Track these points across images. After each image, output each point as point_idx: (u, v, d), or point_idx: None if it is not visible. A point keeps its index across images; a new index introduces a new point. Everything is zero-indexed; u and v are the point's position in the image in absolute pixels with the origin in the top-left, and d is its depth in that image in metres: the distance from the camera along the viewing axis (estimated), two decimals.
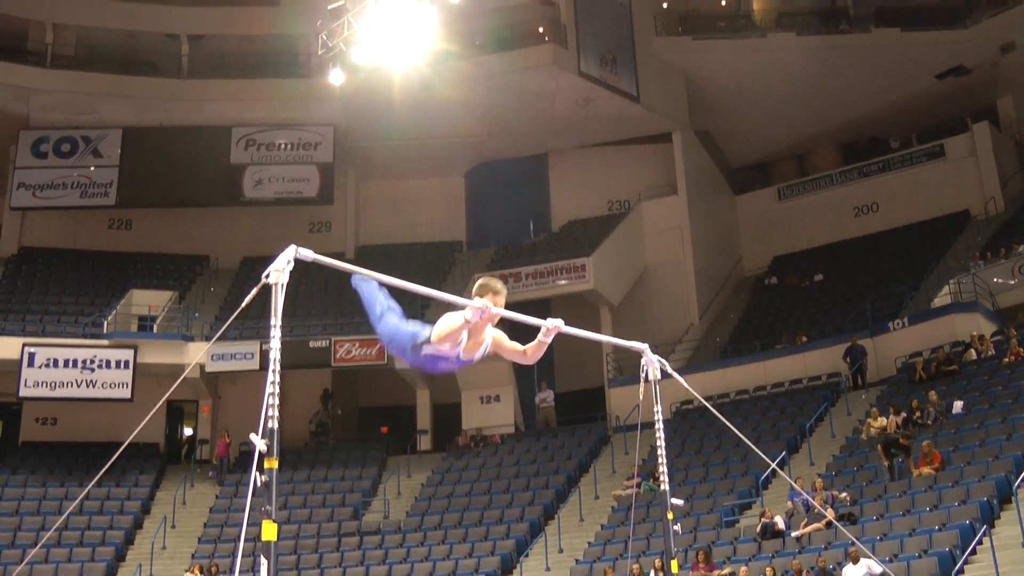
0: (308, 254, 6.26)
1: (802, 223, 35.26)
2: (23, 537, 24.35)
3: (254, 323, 28.33)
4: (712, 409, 11.25)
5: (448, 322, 6.65)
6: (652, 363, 8.80)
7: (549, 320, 7.20)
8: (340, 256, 32.33)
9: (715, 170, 35.74)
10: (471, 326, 6.66)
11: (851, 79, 33.24)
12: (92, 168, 32.84)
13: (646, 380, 8.83)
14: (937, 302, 27.71)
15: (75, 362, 27.85)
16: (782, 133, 35.74)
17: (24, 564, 21.89)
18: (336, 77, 27.23)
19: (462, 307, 6.73)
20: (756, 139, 36.19)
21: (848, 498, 19.90)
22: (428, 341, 6.70)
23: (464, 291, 29.78)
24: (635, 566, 19.34)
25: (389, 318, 6.97)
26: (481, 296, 6.70)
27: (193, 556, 24.41)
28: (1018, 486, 17.97)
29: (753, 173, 38.09)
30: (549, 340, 7.16)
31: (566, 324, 8.12)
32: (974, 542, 16.96)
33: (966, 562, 16.64)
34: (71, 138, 32.97)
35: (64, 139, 32.93)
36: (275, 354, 6.01)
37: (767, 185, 37.21)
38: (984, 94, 33.90)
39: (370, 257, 33.15)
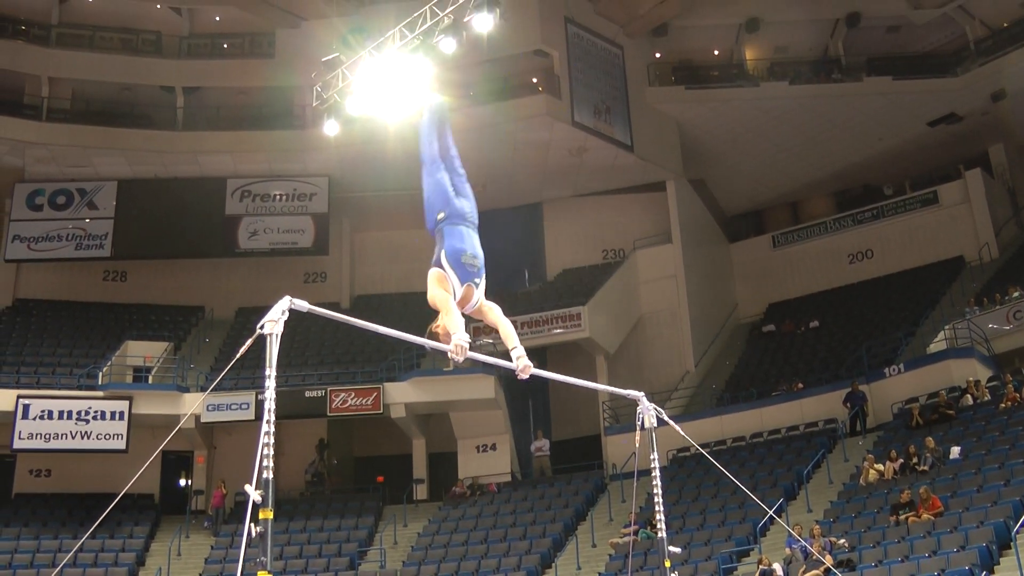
0: (303, 304, 6.33)
1: (797, 270, 35.38)
2: None
3: (249, 373, 28.28)
4: (709, 456, 11.26)
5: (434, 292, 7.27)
6: (648, 411, 8.84)
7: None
8: (335, 306, 32.37)
9: (709, 218, 35.87)
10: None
11: (844, 127, 33.46)
12: (87, 220, 32.91)
13: (642, 428, 8.87)
14: (933, 348, 27.75)
15: (70, 413, 27.73)
16: (776, 181, 35.92)
17: None
18: (331, 128, 27.32)
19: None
20: (750, 187, 36.36)
21: (846, 544, 19.81)
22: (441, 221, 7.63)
23: None
24: None
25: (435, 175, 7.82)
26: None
27: None
28: (1017, 532, 17.89)
29: (747, 221, 38.27)
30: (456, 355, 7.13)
31: (561, 373, 8.19)
32: None
33: None
34: (66, 190, 33.08)
35: (59, 191, 33.03)
36: (269, 404, 6.06)
37: (761, 233, 37.38)
38: (976, 141, 34.13)
39: (366, 307, 33.19)
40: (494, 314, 7.35)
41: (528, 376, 7.23)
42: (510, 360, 7.26)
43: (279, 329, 6.19)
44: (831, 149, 34.38)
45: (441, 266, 7.36)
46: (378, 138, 30.11)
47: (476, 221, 7.83)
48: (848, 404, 26.47)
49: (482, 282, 7.45)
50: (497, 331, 7.32)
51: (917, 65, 33.57)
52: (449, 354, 6.86)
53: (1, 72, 32.01)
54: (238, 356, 6.74)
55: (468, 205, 7.76)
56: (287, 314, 6.24)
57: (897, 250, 33.95)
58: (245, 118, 33.71)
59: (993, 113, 33.05)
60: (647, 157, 32.75)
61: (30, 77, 32.63)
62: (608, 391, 9.18)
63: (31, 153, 31.99)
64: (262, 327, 6.19)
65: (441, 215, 7.62)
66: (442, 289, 7.18)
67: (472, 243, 7.61)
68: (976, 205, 32.86)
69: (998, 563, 17.66)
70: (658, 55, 34.46)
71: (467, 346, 6.86)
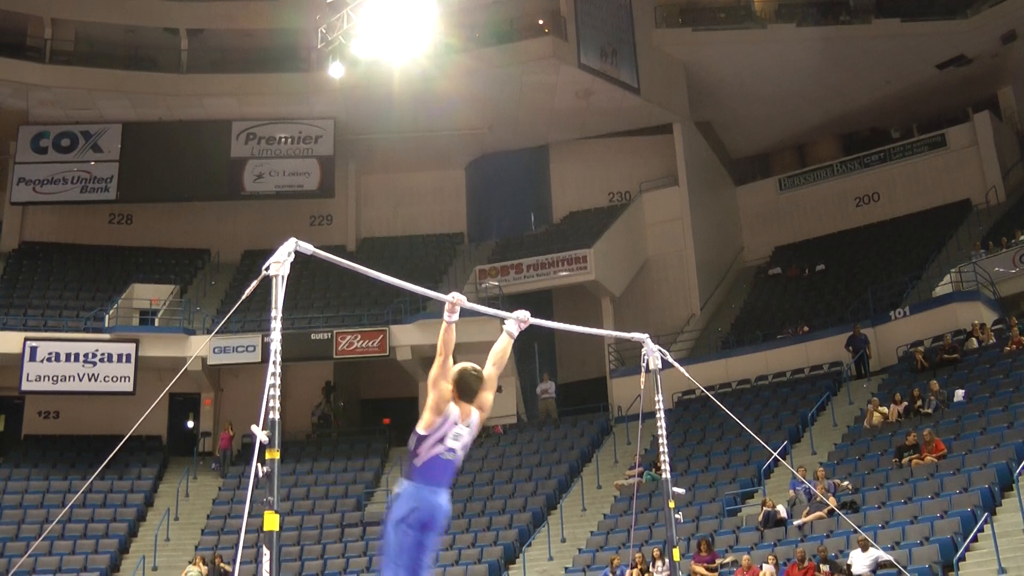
0: (308, 247, 6.35)
1: (803, 213, 35.29)
2: (27, 530, 24.43)
3: (255, 316, 28.37)
4: (713, 398, 11.32)
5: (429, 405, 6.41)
6: (653, 353, 8.86)
7: (517, 312, 7.12)
8: (341, 249, 32.41)
9: (715, 161, 35.75)
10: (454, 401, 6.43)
11: (852, 70, 33.22)
12: (92, 163, 32.87)
13: (647, 370, 8.90)
14: (938, 291, 27.75)
15: (77, 356, 27.89)
16: (783, 124, 35.72)
17: (28, 556, 21.98)
18: (336, 71, 27.23)
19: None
20: (756, 130, 36.18)
21: (850, 486, 19.95)
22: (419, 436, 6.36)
23: (465, 283, 29.80)
24: (637, 555, 19.40)
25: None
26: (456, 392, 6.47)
27: (196, 548, 24.47)
28: (1019, 474, 18.01)
29: (754, 164, 38.12)
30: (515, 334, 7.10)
31: (567, 316, 8.14)
32: (975, 529, 17.01)
33: (967, 549, 16.71)
34: (71, 133, 33.01)
35: (64, 134, 32.97)
36: (276, 346, 6.13)
37: (768, 176, 37.24)
38: (985, 84, 33.88)
39: (371, 249, 33.23)
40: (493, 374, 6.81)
41: (527, 325, 7.21)
42: (510, 329, 7.09)
43: (285, 271, 6.21)
44: (838, 92, 34.14)
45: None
46: (384, 80, 30.01)
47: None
48: (850, 348, 26.51)
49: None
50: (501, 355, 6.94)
51: (926, 6, 33.15)
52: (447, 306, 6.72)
53: (3, 13, 31.82)
54: (244, 297, 6.79)
55: None
56: (293, 256, 6.26)
57: (904, 193, 33.83)
58: (250, 61, 33.57)
59: (1003, 55, 32.76)
60: (654, 99, 32.60)
61: (32, 18, 32.48)
62: (612, 335, 9.20)
63: (35, 95, 31.89)
64: (268, 269, 6.20)
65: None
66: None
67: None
68: (984, 148, 32.68)
69: (1000, 504, 17.81)
70: None
71: (463, 299, 6.75)
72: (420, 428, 6.35)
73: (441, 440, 6.35)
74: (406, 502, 6.32)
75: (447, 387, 6.40)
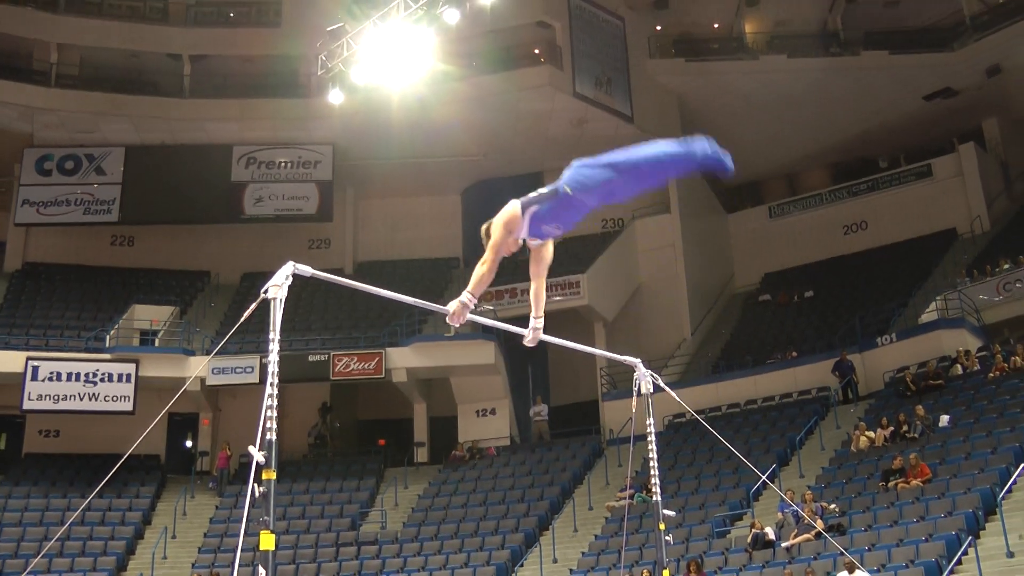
0: (306, 270, 6.57)
1: (793, 241, 35.65)
2: (26, 548, 24.61)
3: (254, 337, 28.69)
4: (704, 422, 11.67)
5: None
6: (644, 377, 9.15)
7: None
8: (339, 272, 32.67)
9: (707, 189, 36.09)
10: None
11: (841, 101, 33.68)
12: (95, 185, 33.28)
13: (639, 394, 9.19)
14: (924, 318, 28.09)
15: (78, 376, 28.19)
16: (773, 153, 36.10)
17: (27, 574, 22.13)
18: (335, 97, 27.62)
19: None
20: (748, 159, 36.37)
21: (837, 509, 20.23)
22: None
23: None
24: None
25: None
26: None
27: (193, 566, 24.69)
28: (1002, 498, 18.32)
29: (745, 192, 38.52)
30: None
31: (561, 339, 8.46)
32: (960, 552, 17.27)
33: (952, 572, 16.97)
34: (75, 156, 33.43)
35: (68, 157, 33.40)
36: (273, 367, 6.27)
37: (758, 204, 37.66)
38: (970, 116, 34.31)
39: (368, 273, 33.52)
40: (543, 265, 7.22)
41: (535, 344, 7.39)
42: (515, 325, 7.38)
43: (283, 294, 6.38)
44: (828, 122, 34.59)
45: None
46: (382, 107, 30.44)
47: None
48: (837, 373, 26.88)
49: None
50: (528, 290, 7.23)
51: (914, 40, 33.65)
52: (447, 319, 6.93)
53: (10, 38, 32.28)
54: (243, 319, 6.99)
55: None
56: (291, 279, 6.44)
57: (891, 222, 34.18)
58: (251, 86, 33.99)
59: (988, 88, 33.20)
60: (647, 128, 32.89)
61: (39, 43, 32.92)
62: (606, 357, 9.51)
63: (40, 119, 32.35)
64: (266, 291, 6.36)
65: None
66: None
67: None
68: (969, 178, 33.09)
69: (984, 528, 18.06)
70: (659, 28, 34.67)
71: (470, 306, 6.90)
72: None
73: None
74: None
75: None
